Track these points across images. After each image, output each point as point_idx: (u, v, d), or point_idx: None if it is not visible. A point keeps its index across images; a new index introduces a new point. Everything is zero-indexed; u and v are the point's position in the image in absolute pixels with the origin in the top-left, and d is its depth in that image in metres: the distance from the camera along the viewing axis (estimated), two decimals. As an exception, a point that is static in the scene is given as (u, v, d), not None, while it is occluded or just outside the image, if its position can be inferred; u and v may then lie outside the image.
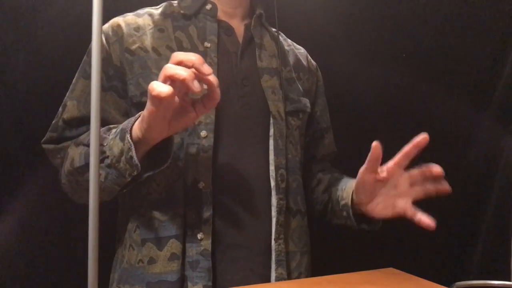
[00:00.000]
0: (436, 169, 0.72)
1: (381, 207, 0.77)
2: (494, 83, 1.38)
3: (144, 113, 0.62)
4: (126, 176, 0.67)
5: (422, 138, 0.72)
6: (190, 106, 0.63)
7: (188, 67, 0.58)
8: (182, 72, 0.57)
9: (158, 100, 0.57)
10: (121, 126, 0.68)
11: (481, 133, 1.40)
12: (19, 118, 1.02)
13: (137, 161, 0.64)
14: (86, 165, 0.70)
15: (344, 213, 0.82)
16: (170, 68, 0.58)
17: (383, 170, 0.73)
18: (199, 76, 0.59)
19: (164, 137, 0.65)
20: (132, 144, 0.64)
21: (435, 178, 0.72)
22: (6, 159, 1.01)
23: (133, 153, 0.64)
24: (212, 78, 0.60)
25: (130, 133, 0.65)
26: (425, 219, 0.70)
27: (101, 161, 0.66)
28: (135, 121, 0.65)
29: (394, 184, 0.75)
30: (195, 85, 0.57)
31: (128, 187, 0.71)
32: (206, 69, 0.59)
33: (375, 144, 0.70)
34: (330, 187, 0.91)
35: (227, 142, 0.77)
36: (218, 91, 0.61)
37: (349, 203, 0.80)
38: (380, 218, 0.78)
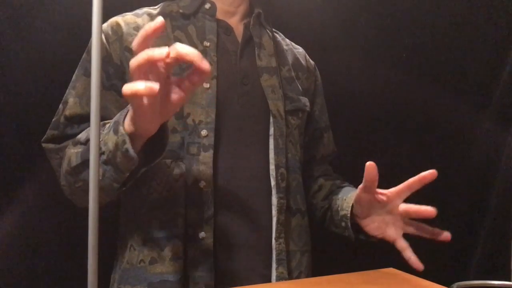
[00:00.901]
0: (427, 212, 0.71)
1: (375, 226, 0.78)
2: (494, 83, 1.38)
3: (130, 112, 0.59)
4: (124, 171, 0.64)
5: (429, 173, 0.70)
6: (175, 87, 0.57)
7: (148, 65, 0.52)
8: (142, 56, 0.52)
9: (137, 99, 0.54)
10: (114, 119, 0.65)
11: (481, 133, 1.40)
12: (19, 118, 1.02)
13: (133, 153, 0.61)
14: (82, 164, 0.69)
15: (343, 224, 0.82)
16: (132, 62, 0.53)
17: (384, 193, 0.74)
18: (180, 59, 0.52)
19: (157, 127, 0.61)
20: (127, 136, 0.60)
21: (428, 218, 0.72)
22: (6, 159, 1.01)
23: (128, 145, 0.60)
24: (194, 54, 0.52)
25: (123, 125, 0.61)
26: (414, 260, 0.73)
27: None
28: (127, 112, 0.62)
29: (390, 209, 0.75)
30: (162, 53, 0.51)
31: (127, 185, 0.68)
32: (161, 53, 0.51)
33: (369, 164, 0.69)
34: (331, 195, 0.90)
35: (228, 141, 0.77)
36: (204, 63, 0.52)
37: (348, 214, 0.80)
38: (372, 235, 0.79)
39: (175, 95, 0.57)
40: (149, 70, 0.53)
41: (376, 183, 0.72)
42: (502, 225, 1.33)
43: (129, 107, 0.61)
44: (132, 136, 0.61)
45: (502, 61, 1.36)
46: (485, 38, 1.36)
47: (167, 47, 0.51)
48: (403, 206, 0.73)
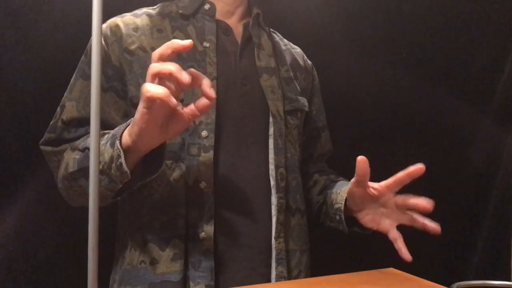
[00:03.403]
0: (424, 204, 0.71)
1: (368, 218, 0.79)
2: (494, 83, 1.38)
3: (136, 117, 0.60)
4: (117, 183, 0.66)
5: (417, 168, 0.71)
6: (181, 111, 0.60)
7: (166, 77, 0.56)
8: (168, 67, 0.55)
9: (152, 102, 0.56)
10: (112, 132, 0.67)
11: (481, 133, 1.40)
12: (19, 118, 1.02)
13: (126, 168, 0.62)
14: (79, 171, 0.70)
15: (337, 217, 0.83)
16: (155, 66, 0.56)
17: (375, 187, 0.74)
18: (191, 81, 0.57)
19: (155, 144, 0.63)
20: (122, 151, 0.62)
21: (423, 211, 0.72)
22: (6, 159, 1.01)
23: (123, 159, 0.62)
24: (205, 79, 0.58)
25: (120, 140, 0.63)
26: (404, 251, 0.73)
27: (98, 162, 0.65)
28: (125, 128, 0.64)
29: (383, 202, 0.76)
30: (184, 76, 0.55)
31: (122, 194, 0.70)
32: (184, 77, 0.55)
33: (360, 158, 0.71)
34: (326, 190, 0.91)
35: (228, 141, 0.77)
36: (212, 90, 0.58)
37: (342, 207, 0.81)
38: (367, 227, 0.80)
39: (180, 120, 0.60)
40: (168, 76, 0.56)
41: (368, 177, 0.73)
42: (502, 225, 1.33)
43: (131, 121, 0.63)
44: (129, 150, 0.63)
45: (502, 61, 1.36)
46: (485, 38, 1.36)
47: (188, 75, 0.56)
48: (402, 198, 0.74)
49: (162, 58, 0.56)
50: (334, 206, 0.83)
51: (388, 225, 0.76)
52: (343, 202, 0.80)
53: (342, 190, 0.83)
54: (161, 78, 0.57)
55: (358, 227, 0.82)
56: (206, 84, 0.58)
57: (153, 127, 0.60)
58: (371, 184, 0.75)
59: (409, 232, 0.77)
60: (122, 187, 0.67)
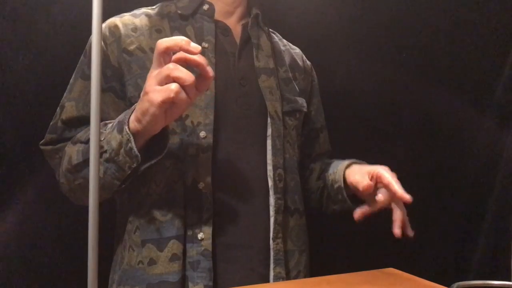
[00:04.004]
0: (406, 197, 0.72)
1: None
2: (494, 83, 1.38)
3: (145, 105, 0.62)
4: (125, 169, 0.66)
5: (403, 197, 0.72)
6: (182, 91, 0.61)
7: (176, 51, 0.60)
8: (182, 75, 0.59)
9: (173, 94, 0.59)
10: (117, 119, 0.68)
11: (481, 133, 1.40)
12: (19, 118, 1.02)
13: (136, 152, 0.64)
14: (84, 162, 0.70)
15: (340, 196, 0.84)
16: (171, 70, 0.59)
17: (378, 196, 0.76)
18: (187, 60, 0.60)
19: (161, 127, 0.65)
20: (131, 135, 0.64)
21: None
22: (6, 159, 1.01)
23: (133, 144, 0.64)
24: (200, 59, 0.60)
25: (128, 125, 0.64)
26: (397, 224, 0.75)
27: (99, 156, 0.66)
28: (131, 113, 0.65)
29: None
30: (193, 46, 0.59)
31: (127, 182, 0.70)
32: (194, 47, 0.59)
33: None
34: (323, 173, 0.92)
35: (226, 142, 0.77)
36: (209, 69, 0.61)
37: (342, 185, 0.82)
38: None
39: (182, 99, 0.61)
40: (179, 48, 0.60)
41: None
42: (502, 225, 1.33)
43: (135, 107, 0.65)
44: (135, 134, 0.65)
45: (502, 61, 1.36)
46: (485, 38, 1.36)
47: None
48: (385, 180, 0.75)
49: (167, 52, 0.60)
50: (334, 186, 0.84)
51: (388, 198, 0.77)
52: (342, 179, 0.82)
53: (338, 169, 0.85)
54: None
55: (361, 203, 0.83)
56: (203, 63, 0.60)
57: (160, 114, 0.62)
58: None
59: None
60: (130, 173, 0.68)
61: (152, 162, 0.68)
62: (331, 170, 0.88)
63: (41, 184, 1.02)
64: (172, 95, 0.59)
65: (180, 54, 0.60)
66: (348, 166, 0.85)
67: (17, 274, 1.03)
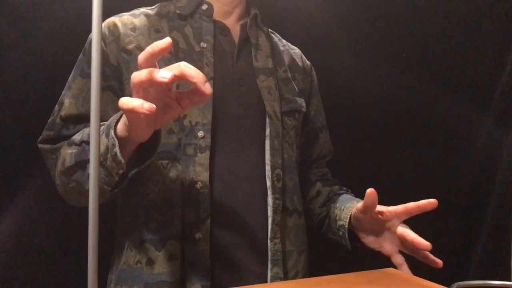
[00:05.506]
0: (422, 244, 0.71)
1: (371, 239, 0.80)
2: (494, 83, 1.38)
3: (126, 118, 0.59)
4: (114, 176, 0.64)
5: (429, 203, 0.71)
6: (174, 101, 0.57)
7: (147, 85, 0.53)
8: (142, 75, 0.53)
9: (133, 113, 0.53)
10: (107, 122, 0.64)
11: (481, 133, 1.40)
12: (18, 117, 1.02)
13: (121, 158, 0.61)
14: (76, 165, 0.69)
15: (340, 233, 0.83)
16: (139, 76, 0.54)
17: (382, 212, 0.75)
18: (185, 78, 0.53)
19: (151, 134, 0.60)
20: (116, 140, 0.60)
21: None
22: (5, 159, 1.01)
23: (117, 149, 0.60)
24: (198, 78, 0.53)
25: (115, 129, 0.61)
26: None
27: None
28: (120, 116, 0.62)
29: (389, 227, 0.77)
30: (161, 76, 0.51)
31: (119, 187, 0.67)
32: (162, 76, 0.52)
33: (369, 191, 0.72)
34: (329, 203, 0.91)
35: (224, 142, 0.77)
36: (206, 86, 0.53)
37: (346, 225, 0.81)
38: (369, 247, 0.81)
39: (173, 109, 0.57)
40: (149, 84, 0.53)
41: (375, 207, 0.74)
42: (502, 225, 1.33)
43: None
44: (124, 140, 0.62)
45: (502, 61, 1.36)
46: (485, 38, 1.36)
47: (171, 72, 0.51)
48: (401, 230, 0.75)
49: (148, 65, 0.54)
50: (338, 222, 0.83)
51: (391, 250, 0.78)
52: (347, 221, 0.81)
53: (346, 207, 0.83)
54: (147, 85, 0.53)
55: (360, 244, 0.83)
56: (201, 83, 0.53)
57: (145, 125, 0.57)
58: (379, 208, 0.75)
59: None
60: (118, 179, 0.65)
61: (141, 167, 0.65)
62: (338, 204, 0.86)
63: (41, 184, 1.02)
64: (128, 107, 0.52)
65: (178, 74, 0.53)
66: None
67: (17, 274, 1.03)
